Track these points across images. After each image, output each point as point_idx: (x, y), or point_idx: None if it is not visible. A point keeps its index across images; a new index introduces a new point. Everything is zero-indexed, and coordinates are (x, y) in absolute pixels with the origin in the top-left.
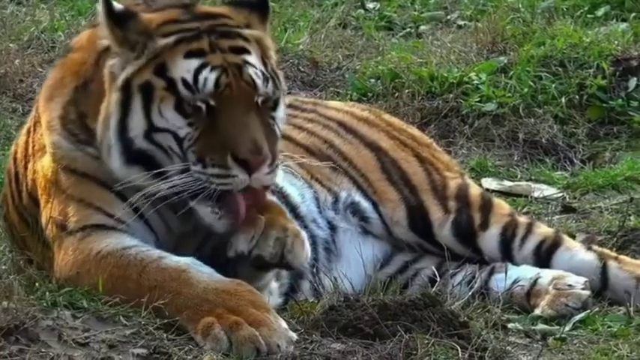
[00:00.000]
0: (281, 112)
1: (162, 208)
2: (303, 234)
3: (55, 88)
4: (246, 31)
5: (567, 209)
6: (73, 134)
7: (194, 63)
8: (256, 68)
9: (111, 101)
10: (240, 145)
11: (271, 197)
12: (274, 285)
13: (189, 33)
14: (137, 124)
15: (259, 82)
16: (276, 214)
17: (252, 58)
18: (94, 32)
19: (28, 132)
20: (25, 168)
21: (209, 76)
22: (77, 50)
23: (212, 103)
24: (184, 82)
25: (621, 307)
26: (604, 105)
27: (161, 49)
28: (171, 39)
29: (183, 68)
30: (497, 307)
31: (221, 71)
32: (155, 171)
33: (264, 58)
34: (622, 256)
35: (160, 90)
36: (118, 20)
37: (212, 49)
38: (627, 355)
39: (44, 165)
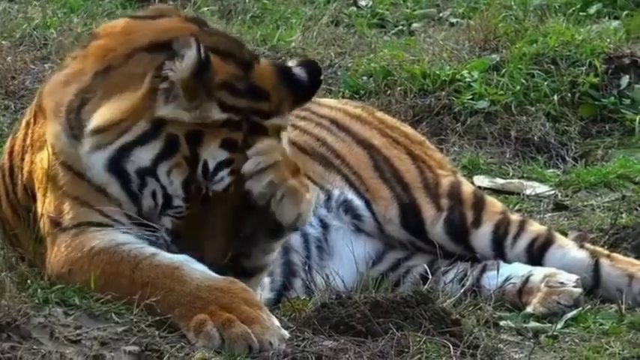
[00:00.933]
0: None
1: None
2: (304, 195)
3: (75, 75)
4: (271, 122)
5: (559, 207)
6: (70, 127)
7: (222, 156)
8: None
9: (136, 123)
10: (207, 253)
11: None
12: (266, 280)
13: (236, 117)
14: (143, 158)
15: (257, 188)
16: (286, 165)
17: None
18: (134, 24)
19: (27, 124)
20: (22, 160)
21: (225, 179)
22: (106, 36)
23: (211, 195)
24: (205, 169)
25: (613, 305)
26: (596, 103)
27: (210, 123)
28: (223, 116)
29: (213, 155)
30: (489, 304)
31: (233, 179)
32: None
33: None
34: (614, 254)
35: (181, 156)
36: (200, 71)
37: (241, 148)
38: (619, 353)
39: (43, 158)
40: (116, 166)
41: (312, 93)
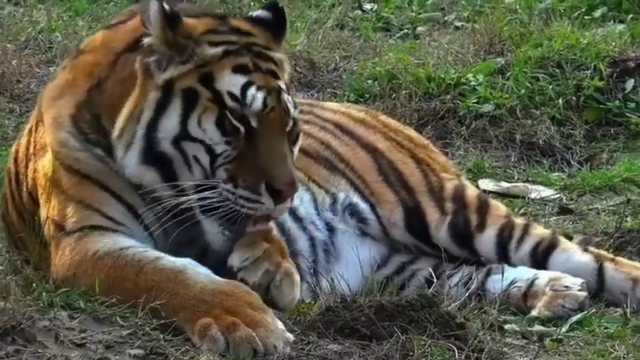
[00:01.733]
0: (298, 145)
1: (164, 214)
2: (297, 277)
3: (66, 87)
4: (276, 55)
5: (564, 210)
6: (83, 133)
7: (241, 79)
8: (289, 95)
9: (147, 97)
10: (277, 177)
11: (275, 232)
12: None
13: (233, 47)
14: (170, 126)
15: (292, 110)
16: (275, 249)
17: (283, 84)
18: (110, 34)
19: (30, 132)
20: (26, 167)
21: (257, 95)
22: (90, 52)
23: (254, 124)
24: (232, 95)
25: (618, 309)
26: (601, 106)
27: (209, 59)
28: (219, 49)
29: (231, 82)
30: (494, 308)
31: (267, 92)
32: (173, 183)
33: (287, 85)
34: (618, 258)
35: (204, 100)
36: (170, 21)
37: (255, 68)
38: (624, 357)
39: (45, 164)
40: (149, 153)
41: (283, 28)
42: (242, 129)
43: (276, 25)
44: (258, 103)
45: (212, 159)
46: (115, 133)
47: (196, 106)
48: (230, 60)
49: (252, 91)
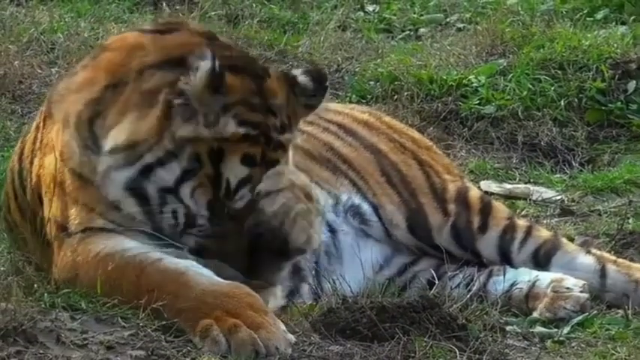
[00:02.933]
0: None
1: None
2: (318, 220)
3: (85, 84)
4: (285, 136)
5: (566, 212)
6: (82, 137)
7: (244, 173)
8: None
9: (159, 143)
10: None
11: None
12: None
13: (254, 132)
14: (165, 179)
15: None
16: (299, 189)
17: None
18: (144, 40)
19: (37, 128)
20: (31, 163)
21: (245, 197)
22: (114, 50)
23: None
24: (227, 187)
25: (619, 310)
26: (603, 108)
27: (229, 137)
28: (240, 131)
29: (235, 173)
30: (496, 309)
31: (253, 196)
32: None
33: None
34: (620, 259)
35: (204, 174)
36: (214, 86)
37: (259, 164)
38: (625, 358)
39: (51, 162)
40: (137, 185)
41: (320, 101)
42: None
43: (314, 96)
44: (241, 203)
45: (188, 224)
46: (111, 142)
47: (195, 175)
48: (244, 146)
49: (244, 190)
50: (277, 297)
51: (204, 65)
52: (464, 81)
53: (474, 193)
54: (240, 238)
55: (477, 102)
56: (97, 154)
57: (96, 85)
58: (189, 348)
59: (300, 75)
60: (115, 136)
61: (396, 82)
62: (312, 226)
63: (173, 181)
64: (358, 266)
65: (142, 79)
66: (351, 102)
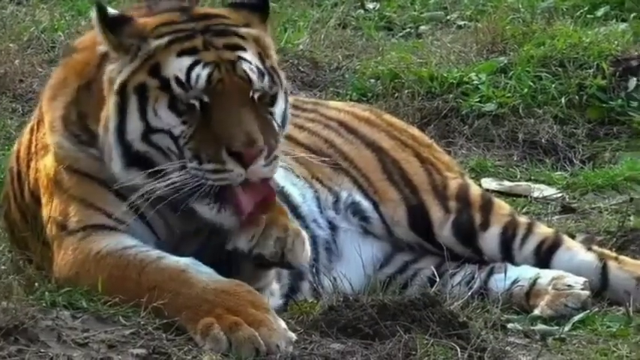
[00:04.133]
0: (279, 108)
1: (163, 209)
2: (304, 234)
3: (59, 87)
4: (243, 30)
5: (567, 209)
6: (75, 135)
7: (186, 61)
8: (251, 64)
9: (109, 106)
10: (233, 139)
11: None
12: (276, 286)
13: (183, 33)
14: (134, 126)
15: (254, 77)
16: (277, 214)
17: (248, 55)
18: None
19: (32, 130)
20: (28, 166)
21: (201, 73)
22: (81, 51)
23: (205, 99)
24: (177, 79)
25: (621, 308)
26: (604, 105)
27: (154, 50)
28: (164, 39)
29: (176, 67)
30: (497, 307)
31: (213, 67)
32: (151, 170)
33: (262, 56)
34: (622, 257)
35: (153, 90)
36: (112, 26)
37: (205, 47)
38: (626, 356)
39: (47, 164)
40: (128, 156)
41: (264, 8)
42: (197, 105)
43: (258, 7)
44: (202, 81)
45: (175, 142)
46: (99, 141)
47: (149, 98)
48: (175, 46)
49: (197, 70)
50: (275, 295)
51: (93, 12)
52: (464, 78)
53: (475, 190)
54: (233, 109)
55: (478, 99)
56: (95, 147)
57: (69, 86)
58: (190, 346)
59: None
60: (99, 132)
61: (396, 80)
62: (306, 241)
63: (140, 120)
64: (358, 264)
65: (100, 72)
66: (351, 100)
